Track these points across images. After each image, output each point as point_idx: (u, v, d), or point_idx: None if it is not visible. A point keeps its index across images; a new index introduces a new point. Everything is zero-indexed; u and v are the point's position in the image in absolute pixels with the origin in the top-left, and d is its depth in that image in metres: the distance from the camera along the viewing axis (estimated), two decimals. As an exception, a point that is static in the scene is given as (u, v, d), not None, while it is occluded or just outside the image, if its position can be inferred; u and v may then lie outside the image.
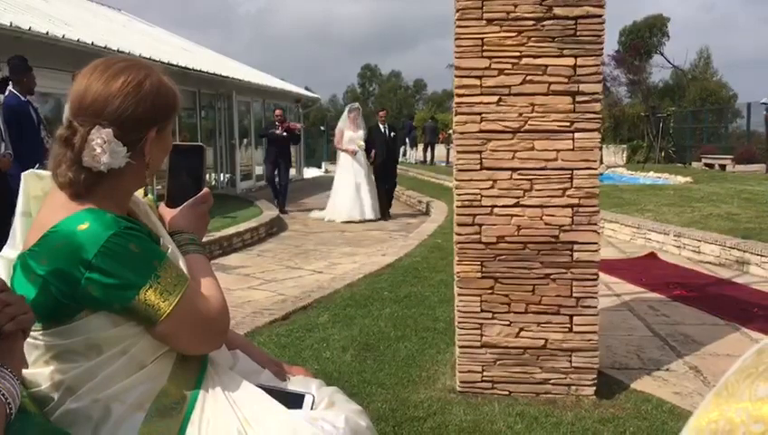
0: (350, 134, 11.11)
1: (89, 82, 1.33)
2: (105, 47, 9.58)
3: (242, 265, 7.44)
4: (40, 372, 1.31)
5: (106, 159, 1.30)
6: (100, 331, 1.28)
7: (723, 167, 19.39)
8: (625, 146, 26.16)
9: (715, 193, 11.12)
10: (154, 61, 11.13)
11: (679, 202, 9.86)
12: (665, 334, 4.29)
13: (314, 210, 11.95)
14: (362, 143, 11.02)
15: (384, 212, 11.24)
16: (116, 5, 19.02)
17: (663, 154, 23.80)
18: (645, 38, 33.71)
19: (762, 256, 6.02)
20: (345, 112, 11.49)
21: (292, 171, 20.73)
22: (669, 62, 34.31)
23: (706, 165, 20.47)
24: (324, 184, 19.15)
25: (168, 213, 1.54)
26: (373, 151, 11.05)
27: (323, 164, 27.04)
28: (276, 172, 12.08)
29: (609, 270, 6.03)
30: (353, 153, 11.04)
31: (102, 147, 1.30)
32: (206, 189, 1.58)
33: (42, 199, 1.39)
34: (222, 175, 15.90)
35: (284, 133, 11.95)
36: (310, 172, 23.43)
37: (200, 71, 13.14)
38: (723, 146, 21.92)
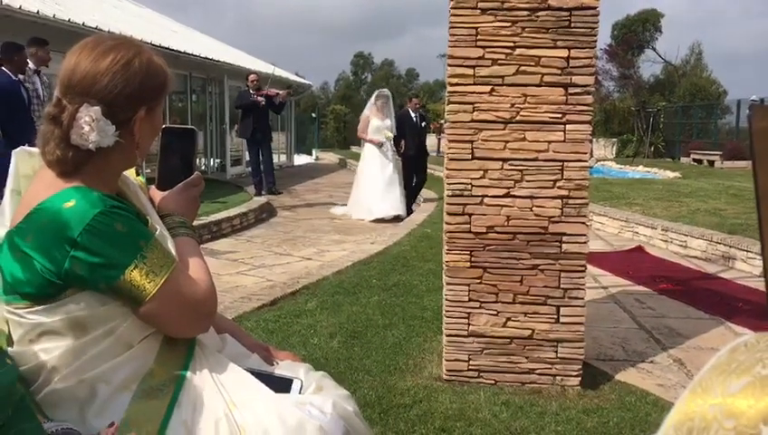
0: (376, 123, 10.09)
1: (78, 59, 1.31)
2: (96, 28, 9.47)
3: (231, 250, 7.42)
4: (25, 351, 1.30)
5: (94, 138, 1.29)
6: (85, 310, 1.27)
7: (711, 163, 19.50)
8: (615, 140, 26.26)
9: (702, 188, 11.18)
10: (146, 43, 11.04)
11: (667, 197, 9.91)
12: (650, 327, 4.32)
13: (335, 206, 10.85)
14: (391, 134, 10.11)
15: (408, 207, 10.33)
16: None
17: (652, 149, 23.90)
18: (638, 32, 33.74)
19: (747, 251, 6.07)
20: (372, 99, 10.39)
21: (283, 157, 20.74)
22: (661, 56, 34.42)
23: (695, 160, 20.58)
24: (315, 171, 19.15)
25: (159, 195, 1.53)
26: (403, 142, 10.26)
27: (314, 151, 26.94)
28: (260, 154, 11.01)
29: (597, 262, 6.06)
30: (379, 145, 10.08)
31: (91, 125, 1.28)
32: (197, 173, 1.56)
33: (31, 178, 1.37)
34: (212, 160, 15.81)
35: (263, 99, 10.82)
36: (300, 159, 23.35)
37: (192, 54, 13.03)
38: (712, 142, 22.04)
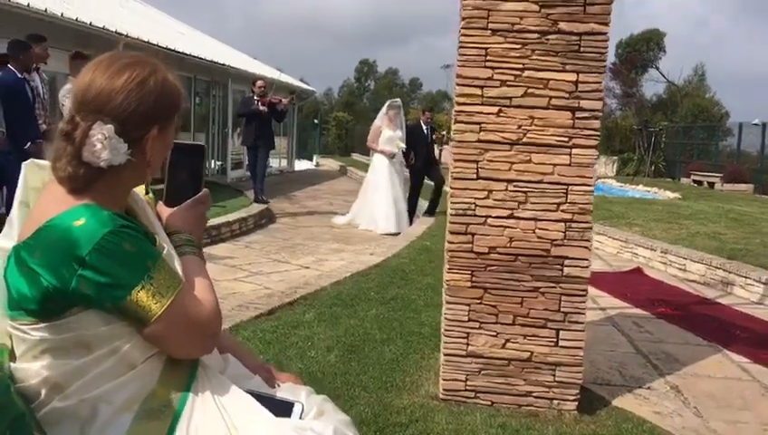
0: (388, 133, 9.99)
1: (93, 76, 1.31)
2: (103, 28, 9.49)
3: (229, 255, 7.41)
4: (27, 368, 1.29)
5: (106, 155, 1.28)
6: (90, 328, 1.26)
7: (711, 184, 19.54)
8: (616, 158, 26.30)
9: (702, 211, 11.19)
10: (151, 44, 11.04)
11: (667, 218, 9.92)
12: (647, 352, 4.31)
13: (337, 216, 10.63)
14: (403, 145, 10.05)
15: (432, 209, 10.40)
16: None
17: (653, 168, 23.94)
18: (641, 51, 33.87)
19: (746, 277, 6.07)
20: (384, 109, 10.25)
21: (284, 163, 20.75)
22: (664, 76, 34.55)
23: (695, 181, 20.62)
24: (315, 177, 19.15)
25: (166, 212, 1.52)
26: (412, 154, 10.24)
27: (315, 157, 26.97)
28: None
29: (596, 283, 6.04)
30: (392, 155, 10.00)
31: (103, 142, 1.28)
32: (205, 190, 1.56)
33: (41, 191, 1.37)
34: (213, 163, 15.81)
35: (265, 108, 10.66)
36: (301, 165, 23.38)
37: (198, 57, 13.05)
38: (712, 164, 22.09)
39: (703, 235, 8.38)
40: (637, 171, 22.93)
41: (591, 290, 5.63)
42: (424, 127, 10.66)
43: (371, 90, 61.19)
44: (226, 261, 7.08)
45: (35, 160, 1.43)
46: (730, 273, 6.30)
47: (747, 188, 18.35)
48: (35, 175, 1.40)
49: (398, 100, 10.68)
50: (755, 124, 20.24)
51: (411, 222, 10.11)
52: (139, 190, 1.50)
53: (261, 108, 10.69)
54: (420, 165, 10.43)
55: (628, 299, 5.73)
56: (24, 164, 1.41)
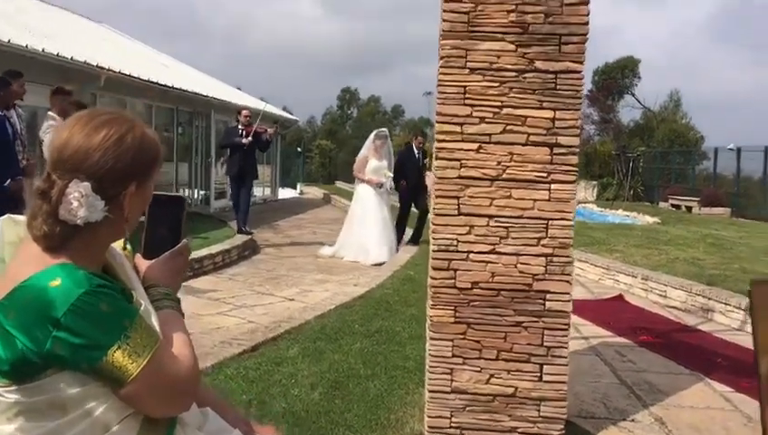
0: (375, 163, 9.94)
1: (70, 133, 1.30)
2: (85, 62, 9.47)
3: (212, 288, 7.33)
4: (1, 430, 1.25)
5: (83, 213, 1.26)
6: (65, 390, 1.23)
7: (689, 208, 19.76)
8: (596, 183, 26.55)
9: (681, 236, 11.30)
10: (133, 77, 11.05)
11: (647, 244, 10.00)
12: (631, 382, 4.31)
13: (323, 247, 10.35)
14: (391, 175, 10.01)
15: (416, 237, 10.35)
16: (87, 14, 18.84)
17: (632, 192, 24.19)
18: (617, 79, 34.43)
19: (726, 304, 6.11)
20: (370, 138, 10.20)
21: (267, 191, 20.71)
22: (640, 102, 35.06)
23: (673, 205, 20.85)
24: (299, 205, 19.11)
25: (144, 265, 1.50)
26: (403, 181, 10.26)
27: (299, 185, 26.95)
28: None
29: (578, 311, 6.04)
30: (379, 185, 9.92)
31: (80, 200, 1.26)
32: (184, 241, 1.54)
33: (17, 245, 1.34)
34: (196, 192, 15.75)
35: (249, 139, 10.49)
36: (285, 193, 23.34)
37: (180, 89, 13.06)
38: (689, 187, 22.37)
39: (682, 260, 8.45)
40: (616, 196, 23.16)
41: (574, 318, 5.64)
42: (416, 151, 10.73)
43: (354, 117, 61.51)
44: (210, 294, 7.01)
45: (11, 216, 1.41)
46: (710, 299, 6.34)
47: (724, 212, 18.58)
48: (11, 230, 1.38)
49: (385, 130, 10.69)
50: (730, 149, 20.57)
51: (398, 250, 10.06)
52: (117, 244, 1.48)
53: (243, 141, 10.61)
54: (411, 188, 10.41)
55: (610, 327, 5.74)
56: (0, 219, 1.39)
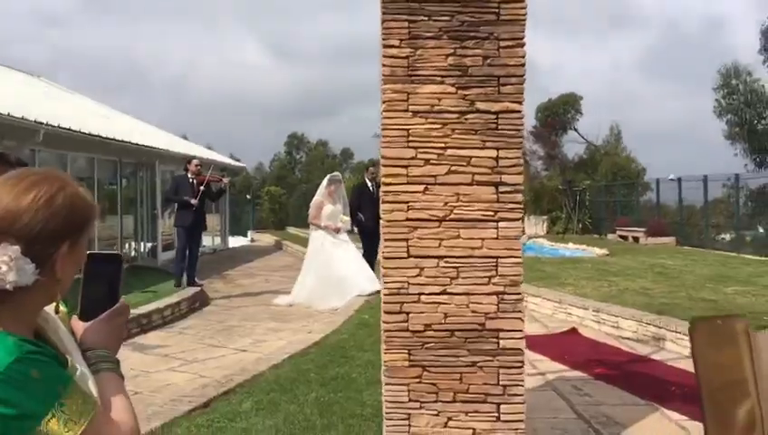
0: (330, 208, 9.92)
1: None
2: (22, 118, 9.27)
3: (162, 343, 7.13)
4: None
5: (12, 277, 1.22)
6: (-3, 464, 1.17)
7: (636, 239, 20.28)
8: (545, 217, 27.08)
9: (630, 267, 11.57)
10: (73, 131, 10.85)
11: (597, 276, 10.20)
12: (588, 416, 4.33)
13: (279, 296, 10.14)
14: (347, 219, 10.07)
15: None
16: (25, 69, 18.57)
17: (581, 225, 24.77)
18: (560, 114, 35.50)
19: (676, 332, 6.24)
20: (324, 183, 10.17)
21: (217, 240, 20.44)
22: (583, 137, 36.10)
23: (621, 236, 21.37)
24: (250, 253, 18.87)
25: (81, 327, 1.45)
26: (360, 216, 10.21)
27: (249, 233, 26.68)
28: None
29: (534, 346, 6.10)
30: (337, 230, 9.87)
31: (9, 265, 1.22)
32: (122, 301, 1.50)
33: None
34: (143, 245, 15.42)
35: (200, 191, 10.33)
36: (235, 241, 23.05)
37: (123, 141, 12.88)
38: (635, 218, 23.00)
39: (632, 291, 8.63)
40: (566, 229, 23.66)
41: (530, 354, 5.69)
42: (369, 184, 10.65)
43: (303, 162, 61.62)
44: (159, 350, 6.81)
45: None
46: (661, 328, 6.48)
47: (670, 241, 19.14)
48: None
49: (338, 174, 10.76)
50: (671, 180, 21.30)
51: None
52: (50, 306, 1.43)
53: (192, 201, 10.41)
54: (370, 224, 9.82)
55: (565, 361, 5.79)
56: None
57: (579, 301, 7.92)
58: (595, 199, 27.30)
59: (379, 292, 8.55)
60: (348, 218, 10.07)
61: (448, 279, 3.26)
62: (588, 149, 37.03)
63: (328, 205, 9.97)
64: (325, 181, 10.24)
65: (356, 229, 10.55)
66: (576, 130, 36.01)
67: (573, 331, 7.21)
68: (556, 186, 29.52)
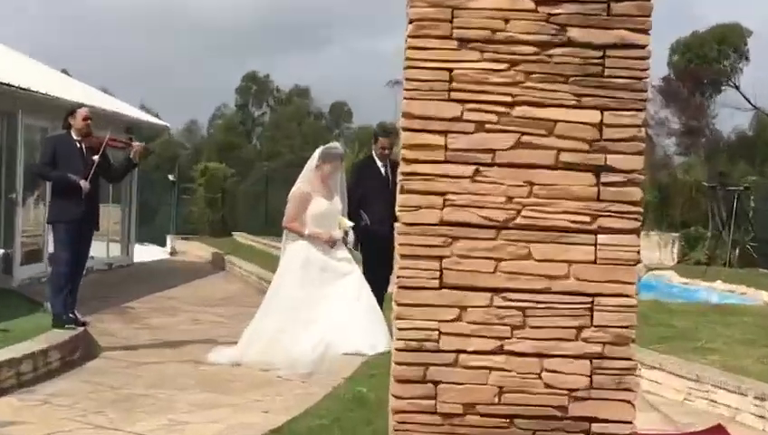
0: (323, 205, 9.59)
1: None
2: None
3: (12, 419, 7.19)
4: None
5: None
6: None
7: (833, 278, 20.23)
8: (677, 235, 27.02)
9: (820, 325, 11.53)
10: None
11: (764, 339, 10.17)
12: None
13: (217, 347, 9.98)
14: (349, 224, 9.72)
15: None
16: None
17: (738, 251, 24.69)
18: (711, 60, 35.42)
19: None
20: (313, 159, 9.80)
21: (114, 249, 20.54)
22: (748, 99, 36.04)
23: (807, 274, 21.31)
24: (170, 274, 18.92)
25: None
26: (363, 216, 9.94)
27: (169, 240, 26.81)
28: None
29: (649, 454, 6.10)
30: (332, 243, 9.63)
31: None
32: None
33: None
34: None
35: (93, 164, 10.02)
36: (145, 252, 23.16)
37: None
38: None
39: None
40: (711, 258, 23.59)
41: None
42: (379, 163, 10.43)
43: (266, 122, 61.80)
44: (8, 430, 6.87)
45: None
46: None
47: None
48: None
49: (337, 145, 10.61)
50: None
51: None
52: None
53: (82, 183, 10.28)
54: (378, 227, 9.83)
55: (704, 481, 5.80)
56: None
57: (731, 380, 7.91)
58: (765, 208, 27.22)
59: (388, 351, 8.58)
60: (351, 223, 9.87)
61: (508, 329, 3.28)
62: (756, 122, 36.95)
63: (318, 199, 9.71)
64: (315, 156, 9.81)
65: (352, 238, 10.33)
66: (737, 87, 35.93)
67: (720, 429, 7.20)
68: (698, 181, 29.46)
